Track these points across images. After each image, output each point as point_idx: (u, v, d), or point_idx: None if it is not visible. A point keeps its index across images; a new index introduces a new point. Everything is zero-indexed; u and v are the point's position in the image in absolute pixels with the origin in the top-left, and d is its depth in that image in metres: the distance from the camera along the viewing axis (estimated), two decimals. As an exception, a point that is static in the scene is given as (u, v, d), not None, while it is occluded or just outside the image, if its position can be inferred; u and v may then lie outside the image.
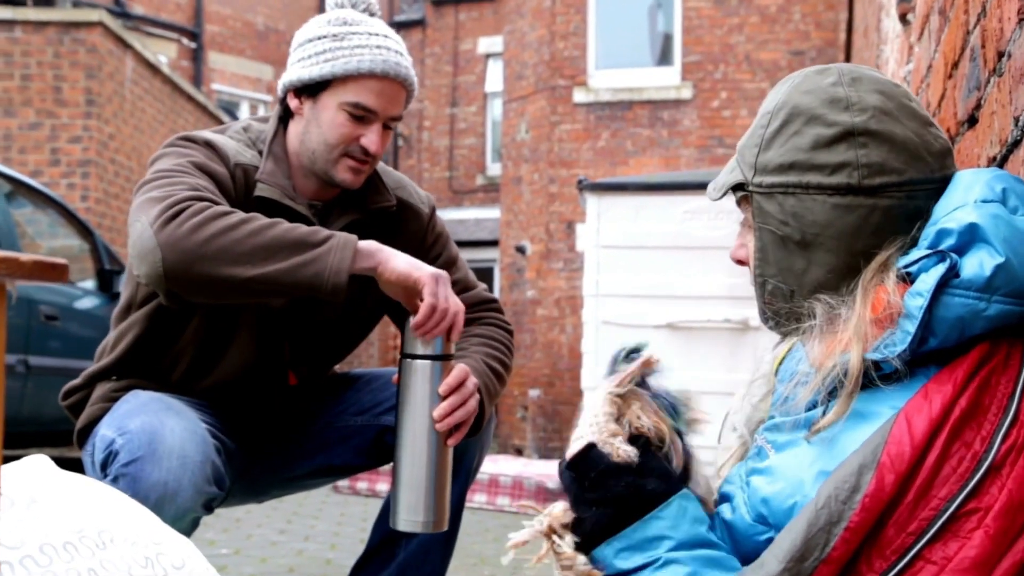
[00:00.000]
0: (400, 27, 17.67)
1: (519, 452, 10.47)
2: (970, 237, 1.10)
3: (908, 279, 1.13)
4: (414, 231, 2.15)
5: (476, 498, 5.92)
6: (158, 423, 1.79)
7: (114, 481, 1.75)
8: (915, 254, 1.14)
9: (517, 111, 11.19)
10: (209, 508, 1.84)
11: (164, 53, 15.55)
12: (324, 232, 1.76)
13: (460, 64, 17.07)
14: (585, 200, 5.35)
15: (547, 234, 10.59)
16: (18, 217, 6.89)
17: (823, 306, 1.17)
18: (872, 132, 1.18)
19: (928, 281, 1.09)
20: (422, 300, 1.77)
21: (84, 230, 6.49)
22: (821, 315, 1.17)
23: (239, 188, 1.95)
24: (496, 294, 13.55)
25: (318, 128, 1.98)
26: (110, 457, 1.80)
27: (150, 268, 1.71)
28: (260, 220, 1.75)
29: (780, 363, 1.28)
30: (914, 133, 1.19)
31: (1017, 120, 1.26)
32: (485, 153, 16.85)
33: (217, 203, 1.79)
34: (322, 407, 2.21)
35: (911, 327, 1.08)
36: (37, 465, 1.23)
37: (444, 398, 1.81)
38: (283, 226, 1.75)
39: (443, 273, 1.80)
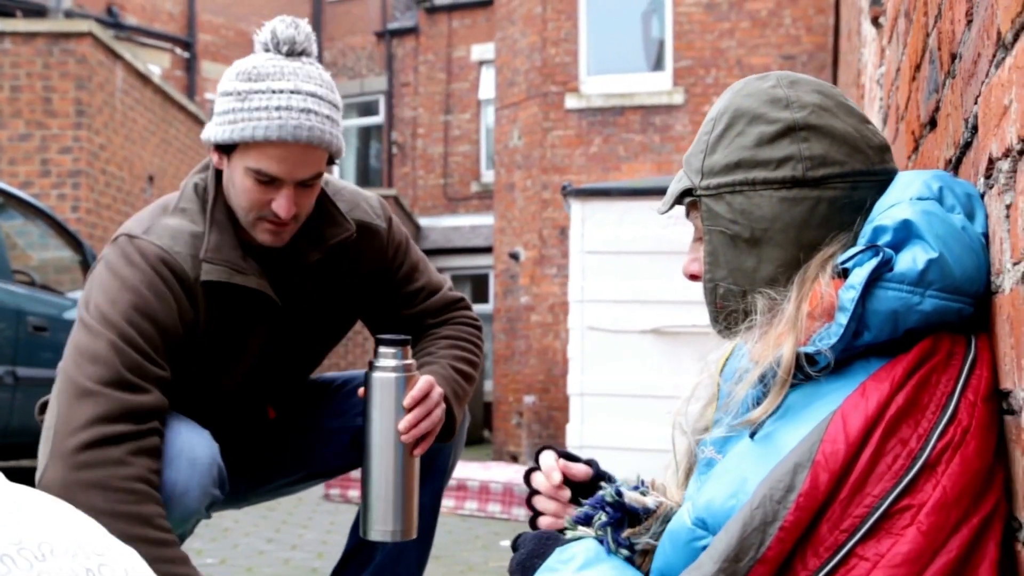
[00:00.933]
0: (393, 35, 17.68)
1: (514, 459, 10.45)
2: (905, 233, 1.12)
3: (845, 274, 1.14)
4: (376, 249, 2.12)
5: (467, 505, 5.91)
6: (166, 425, 1.82)
7: None
8: (852, 250, 1.15)
9: (509, 118, 11.19)
10: (209, 510, 1.87)
11: (157, 63, 15.57)
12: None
13: (454, 71, 17.07)
14: (570, 206, 5.34)
15: (540, 240, 10.59)
16: (8, 229, 6.88)
17: (764, 300, 1.19)
18: (813, 126, 1.20)
19: (860, 275, 1.10)
20: None
21: (74, 241, 6.49)
22: (762, 310, 1.18)
23: (203, 292, 1.89)
24: (491, 300, 13.50)
25: (234, 189, 1.91)
26: None
27: (38, 475, 1.72)
28: (134, 510, 1.67)
29: (725, 363, 1.28)
30: (853, 128, 1.22)
31: (967, 122, 1.26)
32: (480, 160, 16.84)
33: (131, 433, 1.73)
34: (298, 414, 2.23)
35: (844, 319, 1.09)
36: (-16, 478, 1.22)
37: (409, 410, 1.83)
38: (147, 533, 1.66)
39: None
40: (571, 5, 10.64)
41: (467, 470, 5.99)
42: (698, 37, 10.35)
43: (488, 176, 16.13)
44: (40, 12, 13.42)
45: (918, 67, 1.77)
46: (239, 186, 1.89)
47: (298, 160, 1.85)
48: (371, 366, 1.88)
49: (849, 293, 1.10)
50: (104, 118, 8.64)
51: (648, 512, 1.29)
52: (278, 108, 1.82)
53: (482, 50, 16.43)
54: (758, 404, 1.14)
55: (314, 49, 1.95)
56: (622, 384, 5.12)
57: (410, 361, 1.89)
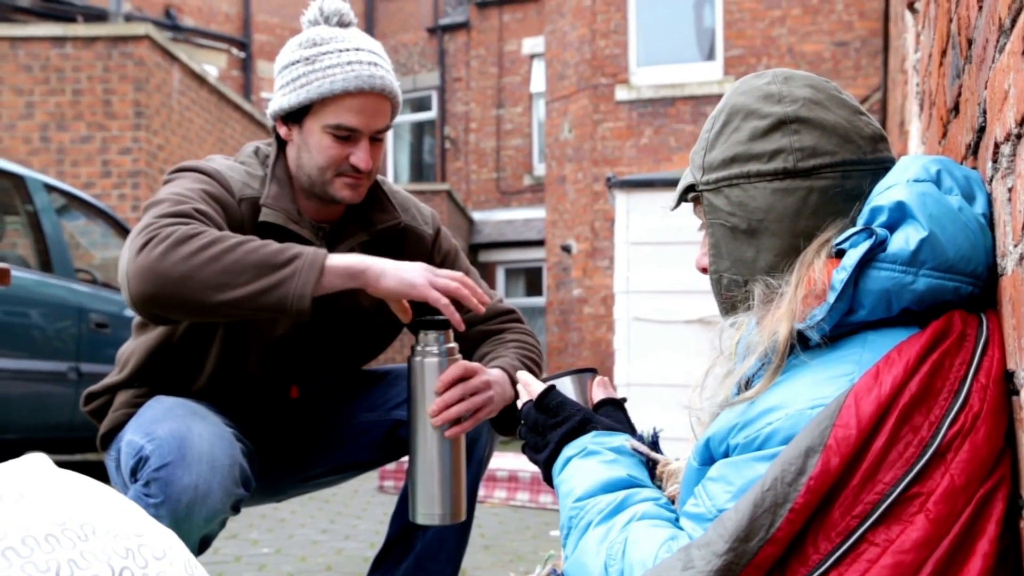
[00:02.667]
0: (445, 30, 17.78)
1: (569, 451, 10.50)
2: (900, 214, 1.15)
3: (842, 255, 1.17)
4: (419, 254, 2.16)
5: (519, 496, 5.95)
6: (186, 428, 1.85)
7: (145, 486, 1.82)
8: (848, 232, 1.18)
9: (560, 111, 11.22)
10: (236, 509, 1.90)
11: (214, 64, 15.83)
12: (291, 251, 1.77)
13: (505, 65, 17.12)
14: (614, 197, 5.36)
15: (592, 232, 10.60)
16: (71, 229, 7.09)
17: (762, 286, 1.23)
18: (803, 119, 1.25)
19: (853, 256, 1.14)
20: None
21: (133, 239, 6.65)
22: (759, 295, 1.23)
23: (246, 218, 1.97)
24: (544, 293, 13.47)
25: (308, 153, 1.99)
26: (140, 463, 1.86)
27: (126, 295, 1.78)
28: (226, 241, 1.76)
29: (738, 342, 1.31)
30: (844, 119, 1.26)
31: (980, 107, 1.27)
32: (532, 153, 16.88)
33: (197, 220, 1.80)
34: (334, 406, 2.26)
35: (831, 299, 1.14)
36: (32, 463, 1.29)
37: (440, 393, 1.86)
38: (247, 247, 1.76)
39: (428, 269, 1.83)
40: (620, -4, 10.63)
41: (519, 462, 6.04)
42: (749, 25, 10.27)
43: (540, 169, 16.17)
44: (100, 16, 13.73)
45: (944, 53, 1.78)
46: (316, 146, 1.97)
47: (374, 110, 1.96)
48: (412, 351, 1.90)
49: (840, 274, 1.14)
50: (162, 119, 8.84)
51: (654, 464, 1.38)
52: (350, 63, 1.94)
53: (533, 43, 16.45)
54: (747, 386, 1.19)
55: (356, 24, 2.07)
56: (668, 374, 5.13)
57: (452, 344, 1.90)
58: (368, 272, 1.81)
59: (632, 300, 5.32)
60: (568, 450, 1.37)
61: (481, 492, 6.02)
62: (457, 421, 1.88)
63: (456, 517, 1.89)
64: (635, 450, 1.41)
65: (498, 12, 17.15)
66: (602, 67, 10.64)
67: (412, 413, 1.89)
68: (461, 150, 17.52)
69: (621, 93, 10.51)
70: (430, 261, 2.17)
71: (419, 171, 18.65)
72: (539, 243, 14.37)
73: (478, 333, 2.21)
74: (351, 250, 2.06)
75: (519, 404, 1.50)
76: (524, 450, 1.46)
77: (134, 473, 1.88)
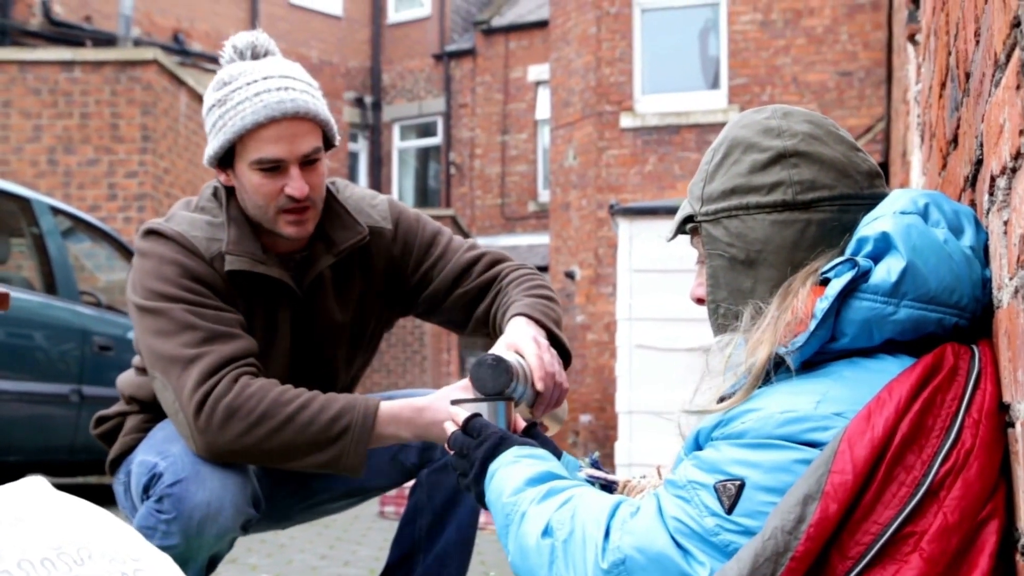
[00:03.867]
0: (451, 57, 17.88)
1: (571, 478, 10.47)
2: (884, 245, 1.17)
3: (827, 283, 1.20)
4: (382, 250, 2.14)
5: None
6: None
7: (158, 502, 1.84)
8: (833, 261, 1.21)
9: (564, 137, 11.26)
10: (246, 529, 1.92)
11: (221, 88, 15.90)
12: (341, 422, 1.83)
13: (511, 92, 17.20)
14: (617, 224, 5.38)
15: (596, 259, 10.62)
16: (76, 251, 7.11)
17: (752, 309, 1.25)
18: (802, 153, 1.27)
19: (835, 286, 1.16)
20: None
21: (138, 263, 6.66)
22: (748, 318, 1.25)
23: (220, 274, 1.96)
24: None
25: (246, 194, 1.96)
26: (153, 479, 1.88)
27: (191, 447, 1.87)
28: (279, 409, 1.82)
29: (727, 361, 1.32)
30: (842, 155, 1.29)
31: (977, 140, 1.28)
32: (536, 180, 16.93)
33: (229, 357, 1.86)
34: None
35: (812, 326, 1.16)
36: (31, 486, 1.29)
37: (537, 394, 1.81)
38: (299, 419, 1.83)
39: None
40: (626, 25, 10.70)
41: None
42: (753, 55, 10.33)
43: (545, 196, 16.20)
44: (109, 41, 13.83)
45: (943, 85, 1.79)
46: (249, 185, 1.93)
47: (292, 135, 1.89)
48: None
49: (823, 303, 1.16)
50: (168, 143, 8.89)
51: (612, 487, 1.44)
52: (257, 94, 1.88)
53: (539, 70, 16.54)
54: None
55: (276, 50, 2.01)
56: (670, 401, 5.12)
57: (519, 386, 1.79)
58: (412, 424, 1.87)
59: (635, 327, 5.33)
60: (493, 464, 1.41)
61: (481, 519, 6.01)
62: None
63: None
64: (591, 477, 1.47)
65: (504, 39, 17.26)
66: (607, 95, 10.69)
67: None
68: (466, 176, 17.57)
69: (626, 121, 10.55)
70: (390, 253, 2.14)
71: (424, 196, 18.71)
72: (543, 269, 14.39)
73: (463, 300, 2.15)
74: (321, 274, 2.06)
75: (448, 432, 1.55)
76: (458, 480, 1.50)
77: (147, 490, 1.90)
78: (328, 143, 2.00)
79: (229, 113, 1.90)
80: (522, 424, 1.63)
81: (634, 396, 5.48)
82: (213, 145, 1.94)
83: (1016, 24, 0.95)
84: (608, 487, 1.51)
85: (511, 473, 1.37)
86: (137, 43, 13.88)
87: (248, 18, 16.83)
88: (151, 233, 1.99)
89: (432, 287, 2.16)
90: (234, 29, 17.46)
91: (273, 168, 1.91)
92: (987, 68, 1.15)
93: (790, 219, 1.25)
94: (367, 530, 5.78)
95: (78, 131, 8.55)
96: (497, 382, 1.65)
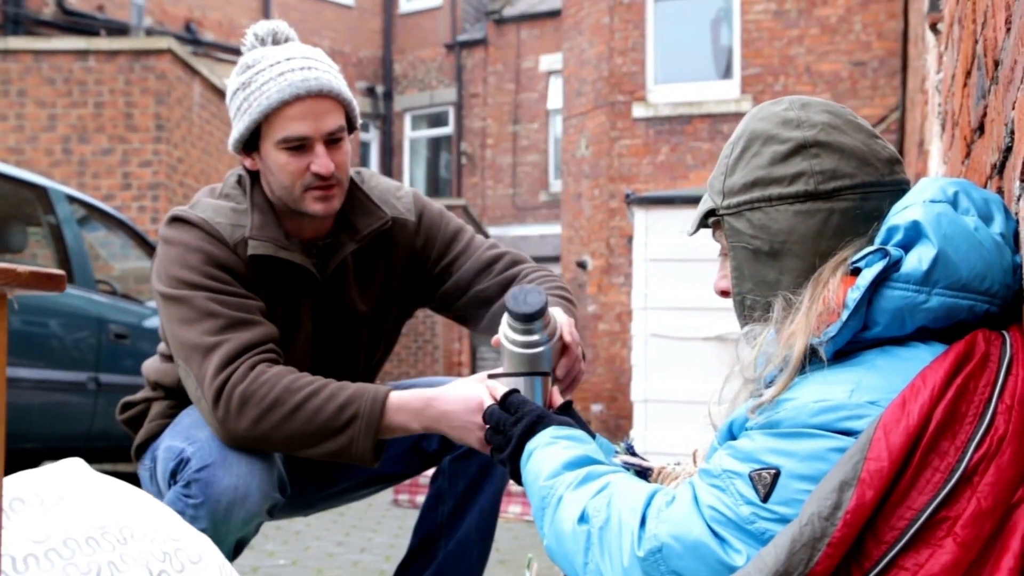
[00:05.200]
0: (463, 46, 17.87)
1: (582, 467, 10.49)
2: (915, 233, 1.18)
3: (858, 273, 1.20)
4: (405, 242, 2.16)
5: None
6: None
7: (186, 487, 1.86)
8: (864, 251, 1.21)
9: (577, 127, 11.26)
10: (272, 513, 1.94)
11: (233, 78, 15.93)
12: (349, 410, 1.83)
13: (522, 82, 17.20)
14: (633, 214, 5.39)
15: (608, 249, 10.62)
16: (91, 240, 7.14)
17: (782, 301, 1.26)
18: (822, 143, 1.28)
19: (867, 276, 1.17)
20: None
21: (154, 252, 6.69)
22: (779, 309, 1.26)
23: (243, 260, 1.99)
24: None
25: (272, 175, 1.98)
26: (181, 464, 1.90)
27: (211, 419, 1.89)
28: (290, 397, 1.84)
29: (757, 355, 1.33)
30: (861, 143, 1.29)
31: (1007, 127, 1.29)
32: (548, 170, 16.93)
33: (249, 344, 1.89)
34: None
35: (844, 316, 1.17)
36: (71, 467, 1.31)
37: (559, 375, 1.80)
38: (310, 406, 1.84)
39: (480, 427, 1.73)
40: (638, 15, 10.68)
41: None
42: (766, 44, 10.30)
43: (556, 186, 16.21)
44: (123, 30, 13.86)
45: (968, 73, 1.79)
46: (275, 165, 1.96)
47: (318, 112, 1.93)
48: (515, 342, 1.71)
49: (854, 293, 1.17)
50: (182, 132, 8.92)
51: (647, 472, 1.45)
52: (281, 74, 1.92)
53: (550, 60, 16.53)
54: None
55: (295, 37, 2.05)
56: (685, 391, 5.14)
57: (549, 329, 1.73)
58: (422, 417, 1.85)
59: (650, 316, 5.34)
60: (530, 444, 1.42)
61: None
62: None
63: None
64: (626, 464, 1.48)
65: (516, 29, 17.24)
66: (619, 84, 10.68)
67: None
68: (478, 166, 17.58)
69: (638, 110, 10.55)
70: (413, 245, 2.16)
71: (435, 186, 18.72)
72: (554, 259, 14.40)
73: (480, 297, 2.16)
74: (344, 261, 2.09)
75: (485, 406, 1.57)
76: (492, 454, 1.52)
77: (174, 475, 1.92)
78: (351, 126, 2.03)
79: (254, 95, 1.93)
80: (558, 400, 1.63)
81: (649, 385, 5.50)
82: (238, 128, 1.97)
83: (1053, 11, 0.95)
84: (643, 473, 1.51)
85: (548, 455, 1.37)
86: (149, 32, 13.91)
87: (260, 7, 16.84)
88: (176, 220, 2.01)
89: (451, 281, 2.19)
90: (246, 18, 17.55)
91: (299, 146, 1.94)
92: (1019, 55, 1.16)
93: (813, 209, 1.26)
94: (382, 517, 5.81)
95: (92, 120, 8.58)
96: (536, 300, 1.62)
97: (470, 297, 2.18)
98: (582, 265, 11.07)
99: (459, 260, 2.18)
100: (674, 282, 5.21)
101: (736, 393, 1.30)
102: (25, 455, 5.30)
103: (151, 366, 2.22)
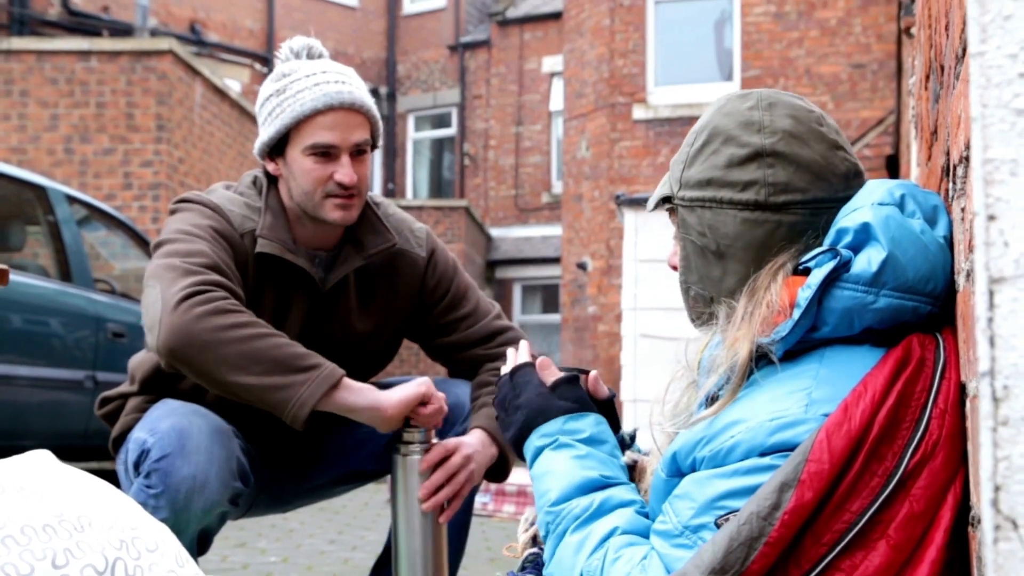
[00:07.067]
0: (466, 48, 17.91)
1: (581, 468, 10.51)
2: (865, 235, 1.19)
3: (807, 273, 1.21)
4: (412, 277, 2.22)
5: (528, 511, 5.99)
6: (187, 423, 1.94)
7: (147, 477, 1.89)
8: (814, 251, 1.22)
9: (577, 129, 11.29)
10: (235, 503, 1.97)
11: (237, 78, 16.01)
12: (312, 359, 1.87)
13: (525, 83, 17.23)
14: (623, 215, 5.42)
15: (607, 250, 10.65)
16: (91, 240, 7.19)
17: (725, 308, 1.27)
18: (779, 153, 1.27)
19: (817, 276, 1.18)
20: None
21: (152, 251, 6.74)
22: (723, 317, 1.27)
23: (249, 251, 2.04)
24: (559, 311, 13.54)
25: (294, 180, 2.05)
26: (142, 456, 1.94)
27: (152, 341, 1.88)
28: (259, 327, 1.86)
29: (702, 355, 1.35)
30: (820, 156, 1.28)
31: (947, 130, 1.32)
32: (550, 171, 16.96)
33: (227, 288, 1.90)
34: (338, 418, 2.31)
35: (796, 315, 1.18)
36: (36, 459, 1.35)
37: (429, 476, 1.97)
38: (275, 340, 1.86)
39: (415, 398, 1.92)
40: (639, 16, 10.71)
41: (527, 478, 6.08)
42: (766, 47, 10.32)
43: (559, 187, 16.23)
44: (126, 31, 13.93)
45: (927, 77, 1.82)
46: (300, 171, 2.03)
47: (347, 124, 2.01)
48: (395, 447, 2.01)
49: (806, 292, 1.18)
50: (183, 132, 8.97)
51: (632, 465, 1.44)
52: (316, 84, 2.01)
53: (553, 62, 16.56)
54: (713, 400, 1.23)
55: (328, 55, 2.13)
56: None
57: (434, 441, 2.01)
58: (363, 415, 1.92)
59: (640, 317, 5.38)
60: (538, 439, 1.39)
61: (491, 506, 6.07)
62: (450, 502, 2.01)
63: None
64: (630, 464, 1.46)
65: (519, 31, 17.28)
66: (620, 86, 10.71)
67: (395, 507, 2.01)
68: (480, 167, 17.62)
69: (638, 112, 10.57)
70: (423, 284, 2.23)
71: (438, 187, 18.76)
72: (556, 260, 14.43)
73: (473, 357, 2.26)
74: (346, 277, 2.14)
75: (502, 371, 1.52)
76: (496, 420, 1.50)
77: (137, 467, 1.96)
78: (374, 143, 2.11)
79: (288, 101, 2.01)
80: (604, 393, 1.54)
81: (639, 384, 5.53)
82: (268, 131, 2.04)
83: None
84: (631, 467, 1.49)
85: (557, 467, 1.35)
86: (154, 33, 13.97)
87: (264, 8, 16.91)
88: (187, 200, 2.08)
89: (453, 338, 2.27)
90: (250, 20, 17.58)
91: (325, 153, 2.01)
92: (951, 61, 1.19)
93: (761, 219, 1.26)
94: (376, 516, 5.85)
95: (94, 120, 8.64)
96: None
97: (461, 357, 2.27)
98: (582, 266, 11.09)
99: (467, 321, 2.27)
100: (664, 282, 5.25)
101: (679, 396, 1.32)
102: (22, 452, 5.33)
103: (135, 358, 2.26)
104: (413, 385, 1.95)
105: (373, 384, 2.38)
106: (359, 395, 1.91)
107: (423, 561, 1.96)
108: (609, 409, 1.52)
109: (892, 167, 8.37)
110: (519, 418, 1.42)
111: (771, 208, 1.26)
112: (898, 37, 7.77)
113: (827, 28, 10.21)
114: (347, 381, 1.90)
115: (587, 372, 1.54)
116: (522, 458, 1.45)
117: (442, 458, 1.99)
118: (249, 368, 1.83)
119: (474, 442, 2.06)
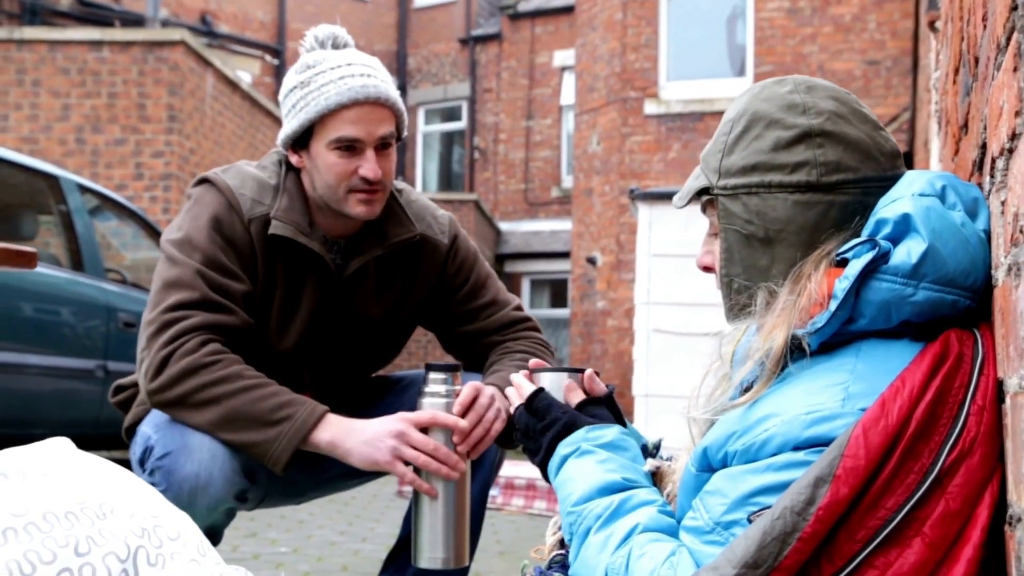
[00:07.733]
0: (477, 41, 17.88)
1: (589, 463, 10.51)
2: (905, 227, 1.16)
3: (845, 263, 1.19)
4: (433, 264, 2.20)
5: (536, 504, 5.98)
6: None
7: (151, 474, 1.89)
8: (852, 241, 1.20)
9: (588, 123, 11.26)
10: (242, 499, 1.95)
11: (248, 70, 16.01)
12: (285, 410, 1.87)
13: (536, 77, 17.20)
14: (637, 209, 5.39)
15: (617, 245, 10.63)
16: (103, 229, 7.20)
17: (765, 293, 1.24)
18: (828, 133, 1.25)
19: (855, 267, 1.15)
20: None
21: (163, 241, 6.73)
22: (761, 301, 1.24)
23: (257, 237, 2.02)
24: (568, 305, 13.52)
25: (318, 174, 2.02)
26: (147, 452, 1.94)
27: (143, 384, 1.94)
28: (230, 383, 1.88)
29: (736, 347, 1.33)
30: (866, 135, 1.26)
31: (983, 123, 1.30)
32: (560, 165, 16.93)
33: (207, 326, 1.92)
34: (349, 411, 2.30)
35: (833, 307, 1.15)
36: (56, 445, 1.34)
37: (463, 416, 1.89)
38: (246, 396, 1.87)
39: (400, 436, 1.87)
40: (652, 11, 10.67)
41: (537, 470, 6.06)
42: (780, 42, 10.28)
43: (568, 181, 16.21)
44: (138, 22, 13.94)
45: (957, 71, 1.80)
46: (324, 165, 2.00)
47: (373, 119, 1.98)
48: (420, 392, 1.93)
49: (843, 283, 1.15)
50: (194, 123, 8.96)
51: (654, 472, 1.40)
52: (342, 77, 1.97)
53: (564, 56, 16.53)
54: (747, 391, 1.21)
55: (353, 44, 2.09)
56: (686, 385, 5.15)
57: (459, 387, 1.92)
58: (338, 451, 1.90)
59: (652, 311, 5.35)
60: (563, 448, 1.39)
61: (500, 499, 6.06)
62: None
63: (459, 561, 1.92)
64: (652, 471, 1.43)
65: (530, 24, 17.24)
66: (632, 80, 10.68)
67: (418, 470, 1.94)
68: (490, 160, 17.59)
69: (650, 107, 10.54)
70: (443, 271, 2.21)
71: (448, 181, 18.74)
72: (565, 255, 14.41)
73: (491, 344, 2.24)
74: (366, 264, 2.11)
75: (511, 409, 1.52)
76: (524, 452, 1.49)
77: (142, 463, 1.95)
78: (399, 136, 2.08)
79: (312, 94, 1.98)
80: (600, 390, 1.54)
81: (651, 380, 5.51)
82: (292, 124, 2.01)
83: (1014, 7, 0.97)
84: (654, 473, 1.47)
85: (580, 471, 1.35)
86: (165, 24, 13.97)
87: (276, 0, 16.90)
88: (204, 181, 2.07)
89: (472, 327, 2.24)
90: (261, 11, 17.59)
91: (350, 148, 1.98)
92: (991, 52, 1.17)
93: (813, 200, 1.23)
94: (386, 508, 5.85)
95: (106, 111, 8.64)
96: (445, 367, 1.86)
97: (481, 345, 2.25)
98: (592, 261, 11.08)
99: (487, 310, 2.24)
100: (677, 277, 5.22)
101: (713, 388, 1.30)
102: (34, 441, 5.35)
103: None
104: (384, 433, 1.89)
105: (381, 377, 2.38)
106: (331, 439, 1.90)
107: (444, 517, 1.89)
108: (610, 403, 1.52)
109: (906, 164, 8.33)
110: (545, 441, 1.42)
111: (823, 188, 1.24)
112: (914, 33, 7.73)
113: (841, 24, 10.17)
114: (325, 424, 1.89)
115: (582, 371, 1.53)
116: (548, 480, 1.43)
117: (472, 398, 1.92)
118: (225, 427, 1.87)
119: (492, 390, 2.00)
